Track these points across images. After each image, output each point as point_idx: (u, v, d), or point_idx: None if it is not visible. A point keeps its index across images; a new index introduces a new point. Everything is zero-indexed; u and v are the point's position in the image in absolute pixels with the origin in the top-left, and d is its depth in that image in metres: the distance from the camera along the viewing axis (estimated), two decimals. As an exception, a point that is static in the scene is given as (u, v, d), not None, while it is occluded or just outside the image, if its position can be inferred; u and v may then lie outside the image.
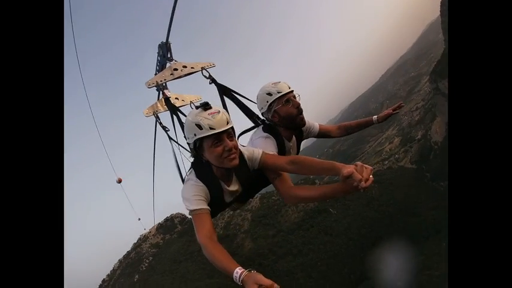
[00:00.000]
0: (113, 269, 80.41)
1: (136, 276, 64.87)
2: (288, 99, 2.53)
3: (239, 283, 1.49)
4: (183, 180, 2.60)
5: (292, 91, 2.56)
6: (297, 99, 2.58)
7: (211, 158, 1.98)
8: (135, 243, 78.34)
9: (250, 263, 50.49)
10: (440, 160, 58.53)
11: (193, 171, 2.12)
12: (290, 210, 56.45)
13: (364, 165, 1.64)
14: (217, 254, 1.71)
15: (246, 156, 2.22)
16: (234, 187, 2.24)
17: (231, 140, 1.97)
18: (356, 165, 1.65)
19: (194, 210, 1.95)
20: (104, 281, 79.80)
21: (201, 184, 2.04)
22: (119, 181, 12.51)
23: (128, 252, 78.73)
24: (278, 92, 2.51)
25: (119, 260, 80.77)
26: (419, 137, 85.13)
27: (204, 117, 1.91)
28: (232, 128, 2.02)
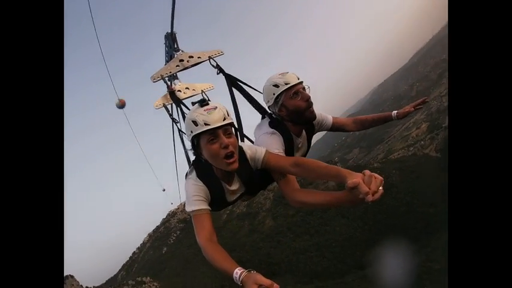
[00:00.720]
0: (143, 242, 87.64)
1: (165, 249, 70.72)
2: (296, 91, 2.33)
3: (239, 283, 1.48)
4: None
5: (301, 82, 2.37)
6: (307, 91, 2.39)
7: (208, 156, 1.92)
8: (163, 219, 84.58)
9: (269, 240, 55.29)
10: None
11: (194, 170, 2.07)
12: (310, 188, 59.11)
13: (374, 174, 1.45)
14: (217, 256, 1.70)
15: (248, 155, 2.13)
16: (235, 187, 2.17)
17: (228, 138, 1.89)
18: (364, 175, 1.47)
19: (193, 211, 1.92)
20: (134, 253, 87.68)
21: (201, 184, 1.99)
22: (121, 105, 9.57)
23: (157, 227, 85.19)
24: (286, 84, 2.32)
25: (149, 234, 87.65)
26: (445, 124, 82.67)
27: (200, 114, 1.86)
28: (231, 124, 1.94)
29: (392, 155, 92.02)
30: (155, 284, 36.87)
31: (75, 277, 39.17)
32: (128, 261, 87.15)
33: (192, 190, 1.98)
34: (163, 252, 70.55)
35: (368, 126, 2.94)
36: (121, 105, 8.11)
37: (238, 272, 1.50)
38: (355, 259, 45.98)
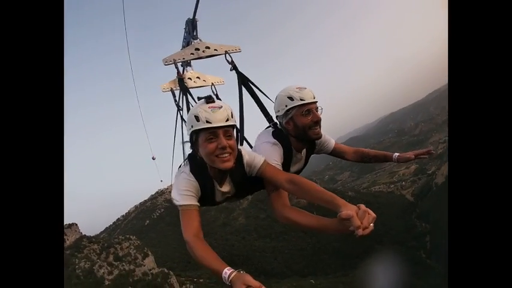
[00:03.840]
0: (128, 211, 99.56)
1: (147, 221, 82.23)
2: (309, 109, 2.29)
3: (227, 283, 1.50)
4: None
5: (316, 102, 2.35)
6: (319, 112, 2.35)
7: (204, 154, 1.90)
8: (152, 195, 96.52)
9: (237, 234, 67.54)
10: (433, 201, 67.58)
11: (188, 164, 2.07)
12: None
13: (368, 210, 1.47)
14: (205, 254, 1.72)
15: (245, 160, 2.12)
16: (226, 188, 2.17)
17: (228, 139, 1.87)
18: (359, 208, 1.48)
19: (182, 205, 1.93)
20: (118, 219, 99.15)
21: (193, 179, 1.99)
22: (153, 158, 13.49)
23: (145, 201, 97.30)
24: (301, 99, 2.28)
25: (135, 205, 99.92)
26: (430, 172, 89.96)
27: (204, 110, 1.85)
28: (233, 127, 1.94)
29: (374, 187, 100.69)
30: (139, 242, 46.57)
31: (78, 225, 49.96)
32: (111, 225, 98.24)
33: (184, 184, 1.97)
34: (145, 224, 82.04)
35: (367, 160, 2.88)
36: (153, 158, 12.98)
37: (227, 272, 1.51)
38: (298, 267, 57.19)
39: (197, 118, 1.86)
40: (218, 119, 1.84)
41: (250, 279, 1.42)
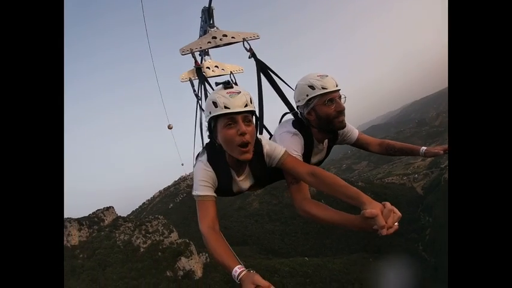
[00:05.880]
0: (153, 196, 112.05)
1: (171, 205, 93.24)
2: (331, 98, 2.22)
3: (237, 281, 1.51)
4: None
5: (339, 90, 2.26)
6: (342, 100, 2.27)
7: (223, 141, 1.88)
8: (175, 181, 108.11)
9: (250, 218, 78.01)
10: (438, 196, 71.17)
11: (205, 153, 2.05)
12: None
13: (393, 208, 1.46)
14: (218, 248, 1.72)
15: (265, 150, 2.10)
16: (245, 179, 2.16)
17: (247, 126, 1.85)
18: (384, 206, 1.46)
19: (199, 196, 1.93)
20: (144, 203, 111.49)
21: (210, 169, 1.98)
22: (170, 127, 13.03)
23: (168, 186, 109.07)
24: (323, 88, 2.21)
25: (159, 190, 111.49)
26: (443, 166, 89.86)
27: (222, 96, 1.83)
28: (252, 112, 1.91)
29: (387, 178, 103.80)
30: (165, 220, 56.28)
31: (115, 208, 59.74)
32: (137, 209, 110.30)
33: (200, 174, 1.96)
34: (169, 207, 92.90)
35: (392, 153, 2.79)
36: (169, 127, 12.83)
37: (237, 270, 1.52)
38: (302, 249, 66.07)
39: (215, 104, 1.83)
40: (237, 105, 1.81)
41: (259, 279, 1.42)
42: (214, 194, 1.97)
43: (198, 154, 2.20)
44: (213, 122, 1.91)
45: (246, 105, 1.83)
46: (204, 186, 1.94)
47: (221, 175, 2.00)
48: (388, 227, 1.42)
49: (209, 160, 1.99)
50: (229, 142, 1.85)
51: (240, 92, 1.85)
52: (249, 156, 1.87)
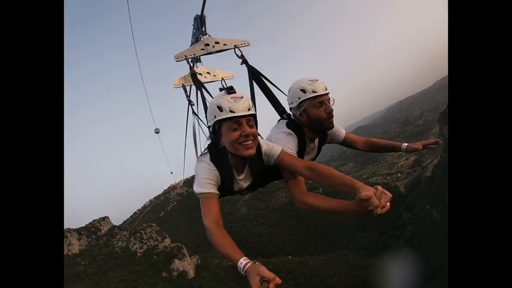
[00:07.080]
0: (144, 205, 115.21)
1: (162, 213, 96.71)
2: (321, 101, 2.45)
3: (242, 273, 1.56)
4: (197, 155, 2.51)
5: (328, 93, 2.48)
6: (331, 103, 2.50)
7: (227, 143, 2.00)
8: (165, 189, 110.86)
9: (239, 222, 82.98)
10: (418, 193, 75.93)
11: (208, 153, 2.15)
12: (280, 193, 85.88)
13: (384, 190, 1.61)
14: (223, 242, 1.78)
15: (263, 149, 2.23)
16: (244, 178, 2.29)
17: (250, 128, 1.99)
18: (376, 189, 1.62)
19: (203, 193, 2.00)
20: (135, 213, 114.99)
21: (214, 168, 2.08)
22: (157, 131, 13.53)
23: (158, 195, 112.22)
24: (313, 92, 2.43)
25: (150, 200, 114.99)
26: (424, 164, 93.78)
27: (226, 100, 1.96)
28: (254, 116, 2.05)
29: (372, 178, 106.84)
30: (158, 228, 60.69)
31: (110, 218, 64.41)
32: (128, 218, 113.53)
33: (204, 173, 2.06)
34: (160, 216, 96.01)
35: (376, 150, 3.03)
36: (156, 131, 13.26)
37: (243, 262, 1.57)
38: (288, 250, 71.24)
39: (220, 108, 1.96)
40: (241, 109, 1.95)
41: (264, 270, 1.46)
42: (217, 192, 2.08)
43: (200, 155, 2.31)
44: (218, 125, 2.04)
45: (249, 109, 2.01)
46: (208, 184, 2.04)
47: (224, 174, 2.13)
48: (381, 206, 1.58)
49: (212, 160, 2.12)
50: (233, 143, 1.99)
51: (243, 97, 2.02)
52: (252, 151, 2.02)
